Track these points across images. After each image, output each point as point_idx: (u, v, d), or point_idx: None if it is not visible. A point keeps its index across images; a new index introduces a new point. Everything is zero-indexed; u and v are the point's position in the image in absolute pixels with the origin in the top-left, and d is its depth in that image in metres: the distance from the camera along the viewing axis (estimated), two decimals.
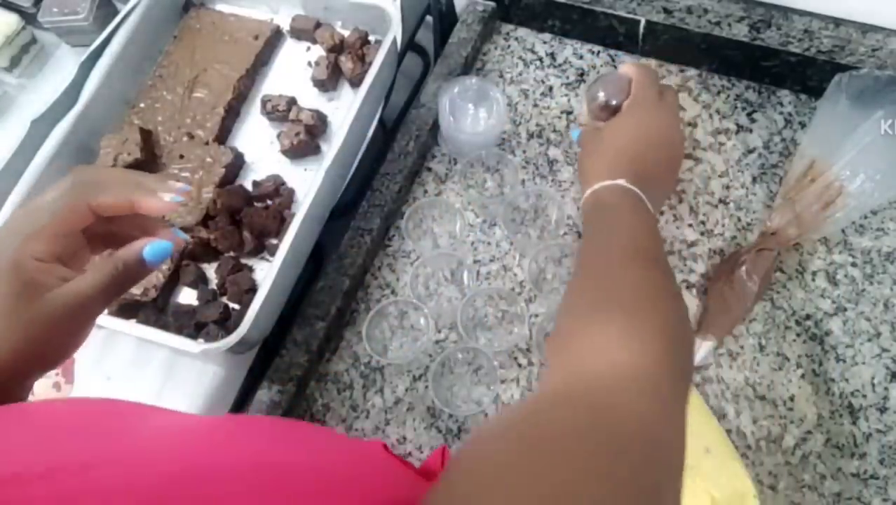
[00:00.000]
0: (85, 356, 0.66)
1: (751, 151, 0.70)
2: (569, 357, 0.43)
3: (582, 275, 0.50)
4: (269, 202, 0.71)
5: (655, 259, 0.49)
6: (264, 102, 0.75)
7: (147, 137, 0.72)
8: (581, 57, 0.78)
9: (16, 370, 0.39)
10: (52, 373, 0.62)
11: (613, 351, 0.40)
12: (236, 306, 0.66)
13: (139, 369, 0.67)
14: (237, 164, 0.73)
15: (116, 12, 0.78)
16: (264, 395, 0.62)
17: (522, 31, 0.80)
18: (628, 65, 0.61)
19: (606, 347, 0.41)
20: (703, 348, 0.61)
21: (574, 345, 0.43)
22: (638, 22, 0.72)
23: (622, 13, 0.71)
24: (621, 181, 0.53)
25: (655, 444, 0.33)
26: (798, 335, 0.61)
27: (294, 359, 0.63)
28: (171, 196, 0.43)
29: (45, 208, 0.41)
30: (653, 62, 0.76)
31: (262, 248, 0.69)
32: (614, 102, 0.63)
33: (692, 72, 0.75)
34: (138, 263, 0.42)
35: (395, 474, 0.43)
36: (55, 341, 0.40)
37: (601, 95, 0.63)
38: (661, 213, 0.68)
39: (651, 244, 0.50)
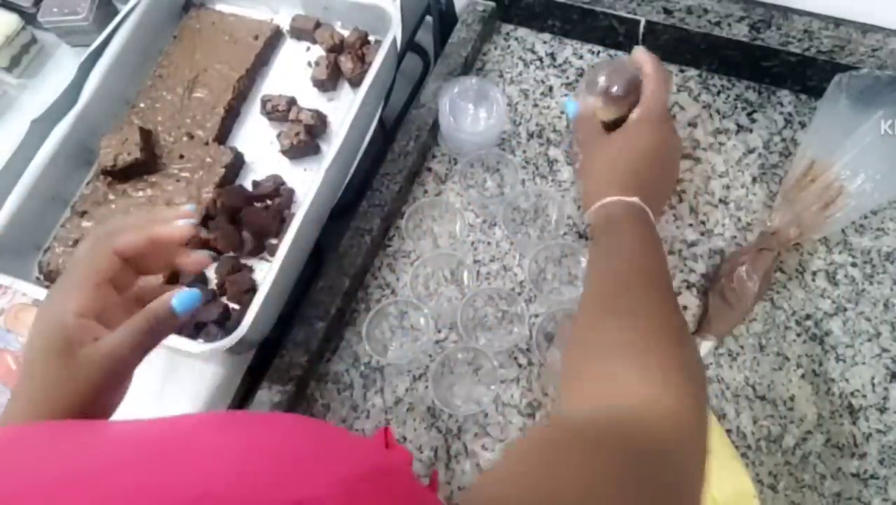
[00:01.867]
0: None
1: (751, 151, 0.70)
2: (591, 392, 0.42)
3: (598, 304, 0.49)
4: (269, 202, 0.71)
5: (668, 287, 0.50)
6: (264, 102, 0.75)
7: (147, 137, 0.72)
8: (581, 57, 0.78)
9: None
10: None
11: (638, 386, 0.40)
12: (236, 306, 0.66)
13: (139, 369, 0.66)
14: (237, 164, 0.73)
15: (116, 12, 0.78)
16: (264, 395, 0.62)
17: (522, 31, 0.80)
18: (644, 56, 0.60)
19: (631, 383, 0.41)
20: (703, 348, 0.61)
21: (595, 380, 0.43)
22: (638, 22, 0.72)
23: (622, 13, 0.71)
24: (634, 199, 0.54)
25: (690, 487, 0.35)
26: (798, 335, 0.61)
27: (294, 359, 0.63)
28: (183, 221, 0.44)
29: (77, 263, 0.42)
30: None
31: (261, 248, 0.69)
32: (615, 90, 0.61)
33: (692, 72, 0.75)
34: (169, 315, 0.42)
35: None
36: (97, 398, 0.40)
37: (602, 81, 0.62)
38: (662, 212, 0.68)
39: (663, 270, 0.51)
